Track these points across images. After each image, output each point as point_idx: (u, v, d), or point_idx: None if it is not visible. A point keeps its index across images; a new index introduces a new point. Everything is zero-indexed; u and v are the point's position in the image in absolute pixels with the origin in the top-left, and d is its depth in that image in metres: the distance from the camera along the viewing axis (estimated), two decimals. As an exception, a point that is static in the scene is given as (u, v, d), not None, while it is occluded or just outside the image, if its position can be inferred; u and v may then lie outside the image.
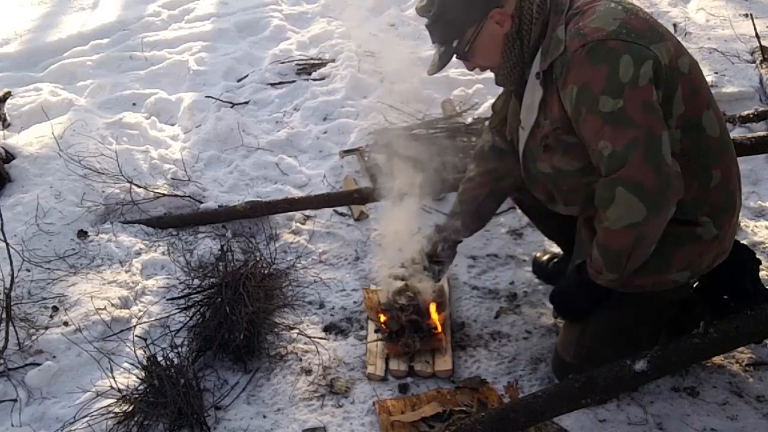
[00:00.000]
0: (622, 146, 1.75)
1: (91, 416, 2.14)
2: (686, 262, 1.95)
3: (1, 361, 2.37)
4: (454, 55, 2.00)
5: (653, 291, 1.99)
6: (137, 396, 2.15)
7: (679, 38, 1.96)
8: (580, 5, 1.88)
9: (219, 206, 3.18)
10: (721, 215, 1.95)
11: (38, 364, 2.37)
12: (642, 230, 1.82)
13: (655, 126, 1.76)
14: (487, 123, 2.40)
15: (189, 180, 3.37)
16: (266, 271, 2.52)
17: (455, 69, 4.22)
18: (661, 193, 1.78)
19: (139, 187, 3.20)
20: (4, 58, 4.94)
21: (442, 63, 2.02)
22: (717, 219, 1.94)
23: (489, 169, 2.34)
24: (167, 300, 2.63)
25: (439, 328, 2.40)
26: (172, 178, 3.36)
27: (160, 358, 2.20)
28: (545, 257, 2.70)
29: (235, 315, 2.28)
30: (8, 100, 3.97)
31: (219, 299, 2.34)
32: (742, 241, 2.33)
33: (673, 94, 1.81)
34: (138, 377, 2.20)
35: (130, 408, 2.14)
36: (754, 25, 3.95)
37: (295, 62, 4.56)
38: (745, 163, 2.75)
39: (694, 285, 2.20)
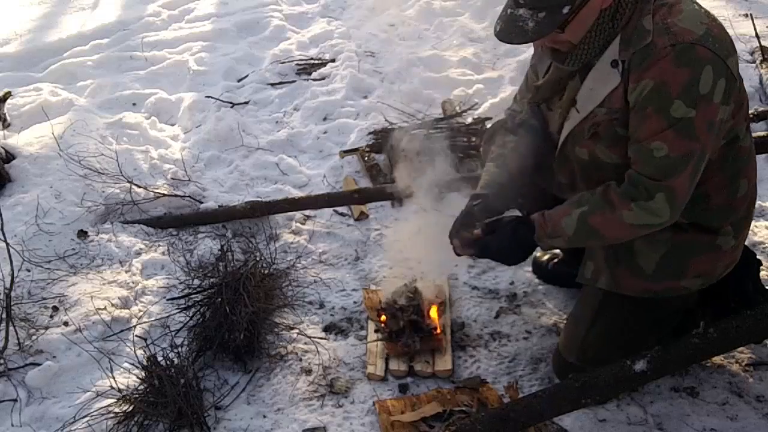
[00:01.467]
0: (679, 155, 1.73)
1: (91, 416, 2.14)
2: (701, 270, 1.95)
3: (1, 361, 2.38)
4: (558, 25, 1.76)
5: (663, 297, 1.99)
6: (137, 396, 2.15)
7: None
8: None
9: (219, 206, 3.18)
10: (741, 225, 1.97)
11: (38, 364, 2.37)
12: (644, 232, 1.83)
13: (708, 146, 1.75)
14: (517, 96, 2.26)
15: (189, 180, 3.37)
16: (266, 271, 2.52)
17: (455, 69, 4.22)
18: (683, 206, 1.79)
19: (139, 187, 3.20)
20: (4, 58, 4.94)
21: (541, 31, 1.75)
22: (737, 229, 1.95)
23: (520, 144, 2.17)
24: (167, 300, 2.63)
25: (439, 328, 2.40)
26: (172, 178, 3.36)
27: (160, 358, 2.21)
28: (545, 257, 2.70)
29: (235, 315, 2.28)
30: (8, 100, 3.97)
31: (219, 299, 2.34)
32: (742, 242, 2.33)
33: (729, 108, 1.79)
34: (138, 377, 2.20)
35: (130, 408, 2.14)
36: (754, 25, 3.95)
37: (295, 62, 4.56)
38: (745, 163, 2.76)
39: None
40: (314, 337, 2.47)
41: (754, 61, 3.87)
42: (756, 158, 2.01)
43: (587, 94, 1.89)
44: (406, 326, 2.38)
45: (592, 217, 1.86)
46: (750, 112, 3.37)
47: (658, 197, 1.76)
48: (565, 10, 1.73)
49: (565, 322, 2.45)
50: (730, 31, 1.84)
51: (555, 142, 2.05)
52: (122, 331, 2.54)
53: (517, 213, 2.06)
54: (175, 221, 3.12)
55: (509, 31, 1.78)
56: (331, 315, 2.62)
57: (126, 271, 2.82)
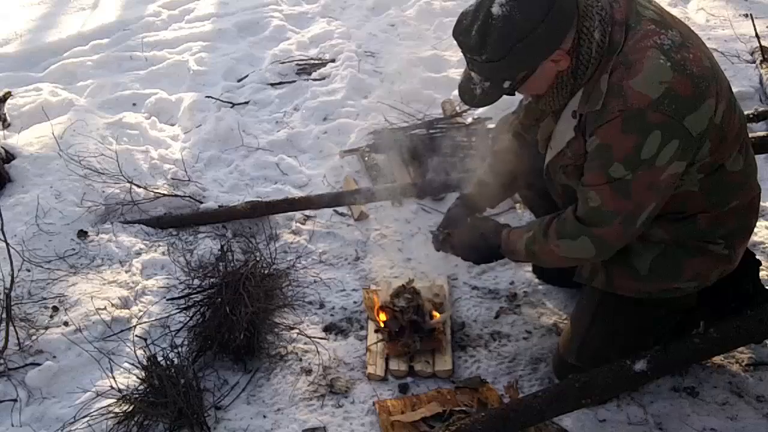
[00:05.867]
0: (610, 210, 1.80)
1: (91, 416, 2.14)
2: (695, 273, 1.96)
3: (1, 361, 2.38)
4: (500, 96, 1.81)
5: (659, 297, 1.99)
6: (137, 396, 2.16)
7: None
8: (632, 48, 1.72)
9: (219, 206, 3.17)
10: (735, 237, 1.97)
11: (38, 364, 2.37)
12: (579, 263, 2.00)
13: (648, 202, 1.78)
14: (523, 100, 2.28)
15: (189, 180, 3.36)
16: (266, 271, 2.52)
17: (455, 69, 4.22)
18: (618, 247, 1.88)
19: (139, 187, 3.20)
20: (4, 58, 4.93)
21: (486, 100, 1.82)
22: (731, 240, 1.95)
23: (514, 145, 2.24)
24: (167, 300, 2.63)
25: (439, 328, 2.40)
26: (172, 178, 3.36)
27: (160, 358, 2.21)
28: (545, 257, 2.70)
29: (235, 315, 2.28)
30: (8, 100, 3.96)
31: (219, 299, 2.34)
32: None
33: (699, 150, 1.77)
34: (138, 377, 2.20)
35: (130, 408, 2.14)
36: (754, 25, 3.95)
37: (295, 62, 4.55)
38: (745, 163, 2.75)
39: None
40: (314, 337, 2.47)
41: (754, 61, 3.87)
42: (756, 171, 1.97)
43: (558, 135, 1.95)
44: (406, 326, 2.38)
45: (534, 245, 2.00)
46: (750, 112, 3.40)
47: (581, 239, 1.87)
48: (506, 84, 1.77)
49: (565, 322, 2.46)
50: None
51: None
52: (122, 331, 2.54)
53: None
54: (175, 221, 3.11)
55: (464, 91, 1.85)
56: (331, 315, 2.62)
57: (126, 271, 2.82)
